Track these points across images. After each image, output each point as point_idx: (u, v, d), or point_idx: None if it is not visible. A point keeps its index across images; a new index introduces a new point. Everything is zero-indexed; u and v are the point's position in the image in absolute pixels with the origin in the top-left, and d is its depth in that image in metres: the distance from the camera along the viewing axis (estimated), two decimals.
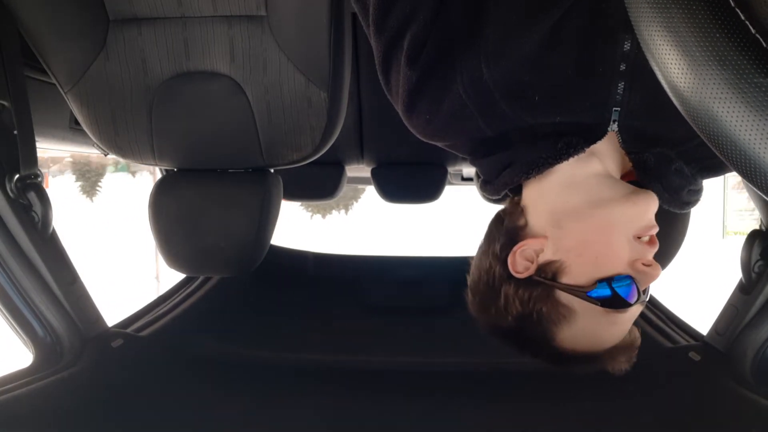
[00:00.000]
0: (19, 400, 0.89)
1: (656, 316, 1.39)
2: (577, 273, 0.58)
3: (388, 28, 0.61)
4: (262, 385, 1.30)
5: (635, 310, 0.59)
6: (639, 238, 0.58)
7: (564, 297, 0.58)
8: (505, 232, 0.63)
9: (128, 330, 1.25)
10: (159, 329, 1.34)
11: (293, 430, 1.18)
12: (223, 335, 1.52)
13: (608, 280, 0.56)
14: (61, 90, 0.92)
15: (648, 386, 1.18)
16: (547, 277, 0.59)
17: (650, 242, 0.58)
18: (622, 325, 0.60)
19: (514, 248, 0.61)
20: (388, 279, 2.01)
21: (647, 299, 0.59)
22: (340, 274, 2.09)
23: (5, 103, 0.88)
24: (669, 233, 0.90)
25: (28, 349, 1.01)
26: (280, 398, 1.25)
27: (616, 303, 0.56)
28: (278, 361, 1.41)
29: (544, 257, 0.59)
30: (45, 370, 0.98)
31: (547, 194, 0.62)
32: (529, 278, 0.59)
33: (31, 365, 0.98)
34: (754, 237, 1.04)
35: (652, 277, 0.57)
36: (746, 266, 1.05)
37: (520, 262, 0.60)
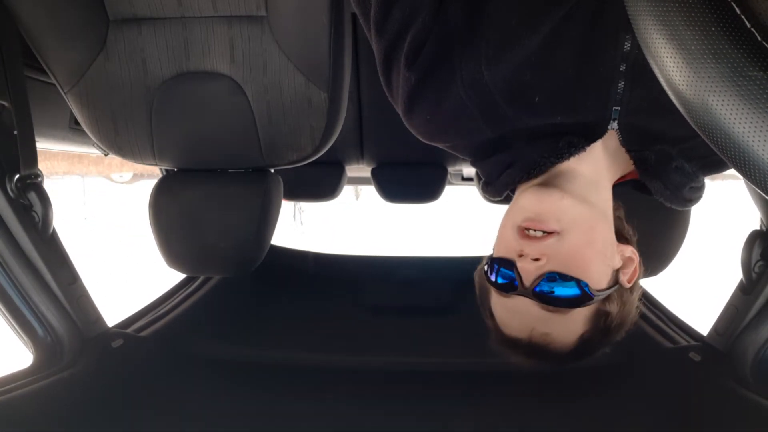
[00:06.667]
0: (19, 400, 0.89)
1: (656, 316, 1.39)
2: (495, 250, 0.64)
3: (388, 30, 0.61)
4: (261, 384, 1.30)
5: (522, 302, 0.59)
6: (525, 230, 0.58)
7: None
8: None
9: (128, 330, 1.25)
10: (159, 329, 1.34)
11: (293, 429, 1.18)
12: (224, 335, 1.52)
13: (492, 259, 0.62)
14: (61, 90, 0.92)
15: (648, 386, 1.18)
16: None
17: (524, 236, 0.58)
18: (510, 312, 0.61)
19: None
20: (388, 279, 2.01)
21: (537, 298, 0.58)
22: (340, 274, 2.09)
23: (5, 103, 0.88)
24: (668, 233, 0.89)
25: (28, 349, 1.01)
26: (279, 398, 1.25)
27: (489, 280, 0.61)
28: (278, 361, 1.41)
29: None
30: (45, 370, 0.98)
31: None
32: None
33: (31, 365, 0.98)
34: (754, 237, 1.04)
35: (523, 271, 0.58)
36: (746, 266, 1.05)
37: None
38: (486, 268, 0.63)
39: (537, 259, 0.57)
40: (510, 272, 0.59)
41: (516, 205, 0.61)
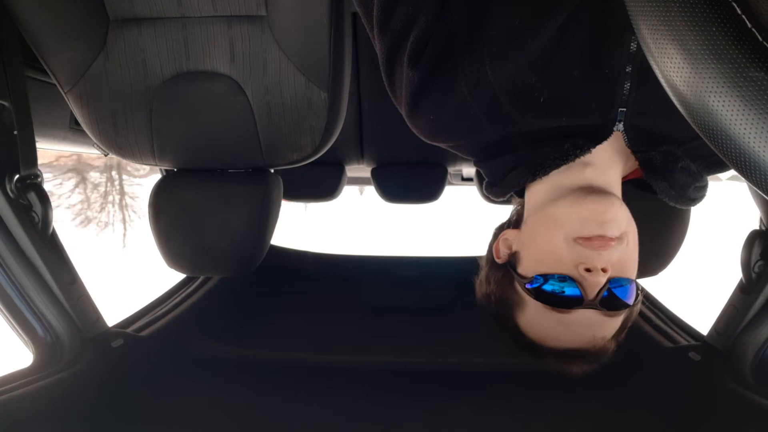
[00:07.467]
0: (19, 400, 0.89)
1: (656, 316, 1.39)
2: (526, 265, 0.61)
3: (391, 29, 0.61)
4: (261, 384, 1.30)
5: (583, 314, 0.57)
6: (586, 240, 0.56)
7: (517, 285, 0.62)
8: (502, 223, 0.69)
9: (128, 330, 1.25)
10: (159, 329, 1.34)
11: (292, 429, 1.18)
12: (223, 335, 1.52)
13: (543, 276, 0.58)
14: (61, 90, 0.91)
15: (648, 386, 1.18)
16: (511, 264, 0.63)
17: (594, 246, 0.56)
18: (568, 326, 0.59)
19: (499, 236, 0.67)
20: (387, 279, 2.01)
21: (604, 307, 0.57)
22: (339, 274, 2.09)
23: (5, 103, 0.88)
24: (668, 233, 0.89)
25: (28, 349, 1.01)
26: (279, 397, 1.25)
27: (547, 299, 0.58)
28: (278, 360, 1.41)
29: (515, 247, 0.64)
30: (45, 370, 0.98)
31: (534, 192, 0.64)
32: (503, 264, 0.65)
33: (31, 365, 0.98)
34: (754, 237, 1.04)
35: (593, 284, 0.55)
36: (746, 266, 1.05)
37: (502, 249, 0.66)
38: (528, 286, 0.59)
39: (604, 269, 0.55)
40: (572, 287, 0.56)
41: (569, 215, 0.58)
